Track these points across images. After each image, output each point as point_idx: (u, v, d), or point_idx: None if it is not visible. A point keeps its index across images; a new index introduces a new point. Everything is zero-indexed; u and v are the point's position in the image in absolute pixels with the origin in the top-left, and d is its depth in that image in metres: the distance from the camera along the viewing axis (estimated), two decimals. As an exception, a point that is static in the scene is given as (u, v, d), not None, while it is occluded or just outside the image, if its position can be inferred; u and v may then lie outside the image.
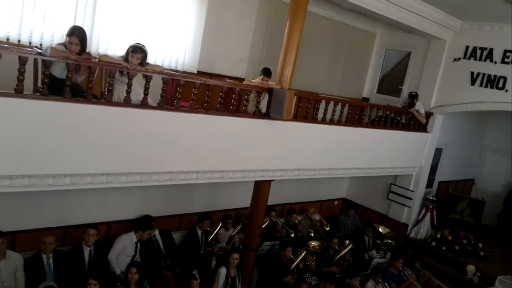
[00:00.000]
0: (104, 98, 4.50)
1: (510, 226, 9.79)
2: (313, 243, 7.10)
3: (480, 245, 8.65)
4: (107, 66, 4.52)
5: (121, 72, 4.65)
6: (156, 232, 6.43)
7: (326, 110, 6.74)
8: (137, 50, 4.64)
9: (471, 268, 8.05)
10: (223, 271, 6.04)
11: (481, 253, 8.57)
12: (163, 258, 6.41)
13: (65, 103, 4.12)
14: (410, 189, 8.99)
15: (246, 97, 5.72)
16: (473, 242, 8.62)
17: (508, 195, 10.09)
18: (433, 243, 8.75)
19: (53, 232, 5.44)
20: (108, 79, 4.47)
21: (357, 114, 7.31)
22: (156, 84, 4.82)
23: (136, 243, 6.01)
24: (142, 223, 6.16)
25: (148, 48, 4.82)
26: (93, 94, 4.46)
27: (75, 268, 5.45)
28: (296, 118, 6.29)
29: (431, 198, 9.14)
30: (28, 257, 5.21)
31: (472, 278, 7.97)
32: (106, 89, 4.52)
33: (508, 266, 8.28)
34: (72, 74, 4.23)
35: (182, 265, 6.46)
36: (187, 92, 5.16)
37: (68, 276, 5.37)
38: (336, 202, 9.95)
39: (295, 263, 6.84)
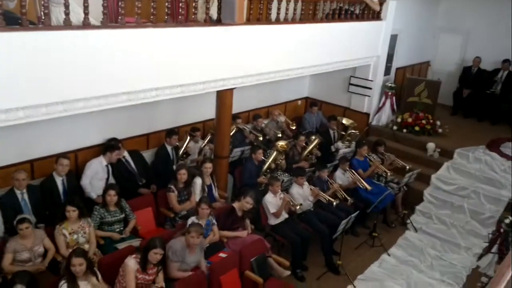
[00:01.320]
0: (42, 23, 4.21)
1: (465, 102, 10.29)
2: (281, 143, 7.34)
3: (438, 123, 9.14)
4: (38, -13, 4.19)
5: (55, -8, 4.32)
6: (126, 153, 6.46)
7: (279, 9, 6.56)
8: (68, -35, 4.27)
9: (431, 145, 8.57)
10: (198, 181, 6.25)
11: (440, 130, 9.08)
12: (137, 177, 6.53)
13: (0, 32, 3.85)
14: (369, 79, 9.18)
15: (194, 4, 5.47)
16: (431, 121, 9.08)
17: (462, 72, 10.44)
18: (395, 127, 9.18)
19: (19, 168, 5.40)
20: (43, 2, 4.16)
21: (310, 9, 7.17)
22: (95, 1, 4.52)
23: (106, 165, 6.07)
24: (108, 145, 6.17)
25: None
26: (29, 20, 4.16)
27: (51, 198, 5.53)
28: (249, 21, 6.13)
29: (389, 85, 9.39)
30: (2, 195, 5.23)
31: (432, 154, 8.53)
32: (42, 13, 4.22)
33: (465, 139, 8.86)
34: (2, 1, 3.91)
35: (157, 181, 6.63)
36: (130, 6, 4.88)
37: (45, 207, 5.46)
38: (299, 102, 10.10)
39: (267, 164, 7.12)
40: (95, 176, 5.97)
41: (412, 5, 9.63)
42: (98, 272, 4.33)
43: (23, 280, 3.92)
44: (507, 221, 6.40)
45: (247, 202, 5.66)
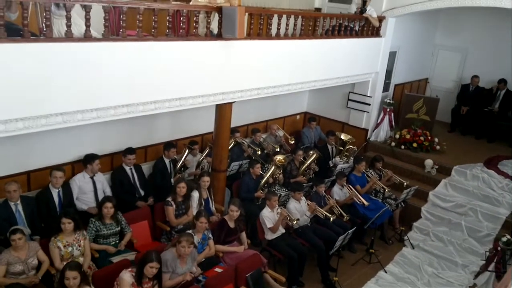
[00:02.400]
0: (44, 34, 4.24)
1: (463, 119, 10.34)
2: (278, 157, 7.34)
3: (436, 140, 9.16)
4: (40, -1, 4.21)
5: (57, 5, 4.35)
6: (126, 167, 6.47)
7: (279, 24, 6.62)
8: (70, -22, 4.31)
9: (429, 162, 8.58)
10: (195, 194, 6.23)
11: (438, 147, 9.09)
12: (137, 190, 6.50)
13: (1, 44, 3.86)
14: (368, 95, 9.22)
15: (195, 18, 5.52)
16: (429, 138, 9.10)
17: (461, 90, 10.49)
18: (393, 144, 9.19)
19: (15, 179, 5.37)
20: (44, 14, 4.18)
21: (310, 25, 7.23)
22: (98, 14, 4.56)
23: (91, 178, 6.03)
24: (86, 158, 6.08)
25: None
26: (31, 31, 4.18)
27: (46, 210, 5.49)
28: (249, 36, 6.17)
29: (388, 101, 9.44)
30: (-4, 206, 5.19)
31: (430, 171, 8.53)
32: (44, 24, 4.24)
33: (463, 156, 8.88)
34: (4, 12, 3.93)
35: (155, 194, 6.60)
36: (132, 20, 4.93)
37: (41, 219, 5.42)
38: (298, 117, 10.13)
39: (264, 178, 7.10)
40: (80, 192, 5.95)
41: (411, 22, 9.72)
42: (92, 286, 4.28)
43: (16, 292, 3.88)
44: (504, 239, 6.39)
45: (232, 210, 5.66)
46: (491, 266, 6.42)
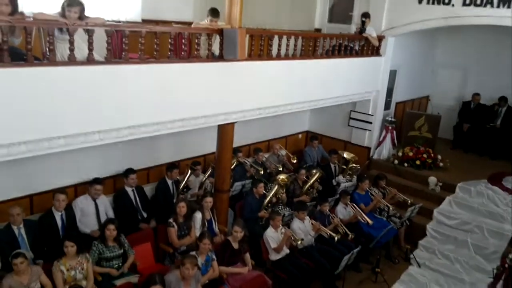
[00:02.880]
0: (47, 58, 4.29)
1: (465, 136, 10.33)
2: (281, 177, 7.31)
3: (439, 157, 9.13)
4: (44, 24, 4.28)
5: (61, 29, 4.41)
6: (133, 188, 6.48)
7: (280, 45, 6.69)
8: (73, 3, 4.37)
9: (432, 179, 8.54)
10: (198, 215, 6.19)
11: (441, 164, 9.06)
12: (140, 212, 6.48)
13: (5, 68, 3.91)
14: (369, 113, 9.25)
15: (196, 41, 5.58)
16: (432, 155, 9.08)
17: (462, 107, 10.52)
18: (396, 161, 9.17)
19: (19, 202, 5.37)
20: (48, 38, 4.25)
21: (311, 46, 7.31)
22: (100, 38, 4.62)
23: (93, 200, 6.03)
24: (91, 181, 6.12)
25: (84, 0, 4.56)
26: (34, 56, 4.24)
27: (49, 234, 5.46)
28: (250, 57, 6.22)
29: (390, 119, 9.46)
30: (-1, 230, 5.17)
31: (434, 188, 8.48)
32: (47, 49, 4.31)
33: (466, 173, 8.84)
34: (8, 37, 3.99)
35: (158, 215, 6.58)
36: (134, 43, 4.99)
37: (43, 243, 5.38)
38: (300, 136, 10.15)
39: (268, 198, 7.07)
40: (82, 214, 5.93)
41: (410, 41, 9.81)
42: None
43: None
44: (511, 256, 6.30)
45: (235, 231, 5.61)
46: (499, 284, 6.31)
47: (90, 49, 4.51)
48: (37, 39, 4.55)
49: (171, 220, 5.92)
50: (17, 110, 4.04)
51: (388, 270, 7.15)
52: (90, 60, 4.52)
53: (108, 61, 4.68)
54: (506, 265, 6.24)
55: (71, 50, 4.36)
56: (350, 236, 6.54)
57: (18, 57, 4.12)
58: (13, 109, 4.01)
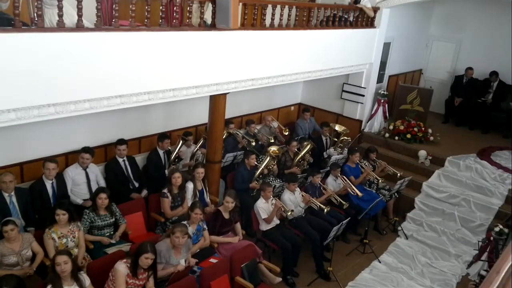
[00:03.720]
0: (35, 24, 4.19)
1: (456, 111, 10.38)
2: (272, 148, 7.34)
3: (430, 131, 9.18)
4: (32, -12, 4.16)
5: (49, -6, 4.30)
6: (125, 158, 6.45)
7: (273, 15, 6.59)
8: (62, -33, 4.25)
9: (422, 153, 8.61)
10: (190, 185, 6.22)
11: (431, 138, 9.13)
12: (131, 182, 6.48)
13: (-8, 34, 3.82)
14: (362, 86, 9.22)
15: (188, 8, 5.47)
16: (423, 129, 9.13)
17: (454, 81, 10.51)
18: (387, 135, 9.22)
19: (9, 170, 5.34)
20: (36, 3, 4.13)
21: (304, 16, 7.20)
22: (89, 4, 4.51)
23: (84, 169, 6.00)
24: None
25: (74, -36, 4.43)
26: (22, 21, 4.13)
27: (40, 202, 5.47)
28: (243, 26, 6.13)
29: (382, 92, 9.45)
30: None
31: (424, 162, 8.56)
32: (35, 14, 4.19)
33: (456, 147, 8.92)
34: (-5, 2, 3.89)
35: (149, 185, 6.59)
36: (124, 10, 4.88)
37: (34, 211, 5.40)
38: (292, 108, 10.12)
39: (259, 169, 7.10)
40: (73, 184, 5.92)
41: (405, 13, 9.71)
42: (87, 277, 4.28)
43: (9, 283, 3.86)
44: (497, 229, 6.45)
45: (227, 202, 5.65)
46: (484, 256, 6.48)
47: (80, 15, 4.39)
48: (24, 4, 4.44)
49: (165, 191, 5.93)
50: (6, 77, 3.96)
51: (376, 241, 7.30)
52: (79, 27, 4.41)
53: (98, 28, 4.58)
54: (492, 238, 6.40)
55: (60, 15, 4.24)
56: (345, 205, 6.63)
57: (6, 22, 4.02)
58: (1, 76, 3.93)
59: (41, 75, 4.19)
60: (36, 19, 4.19)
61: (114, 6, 4.69)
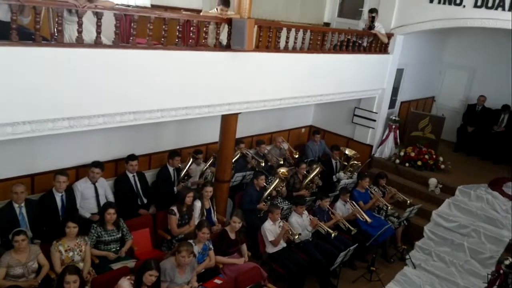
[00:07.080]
0: (55, 39, 4.28)
1: (469, 139, 10.29)
2: (282, 170, 7.31)
3: (441, 159, 9.11)
4: (53, 4, 4.25)
5: (69, 11, 4.40)
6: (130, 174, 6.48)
7: (288, 38, 6.65)
8: (84, -14, 4.36)
9: (433, 181, 8.53)
10: (197, 204, 6.22)
11: (442, 166, 9.04)
12: (140, 197, 6.50)
13: (13, 47, 3.89)
14: (374, 111, 9.22)
15: (205, 29, 5.56)
16: (434, 156, 9.06)
17: (467, 110, 10.47)
18: (397, 161, 9.16)
19: (20, 182, 5.38)
20: (56, 19, 4.23)
21: (319, 40, 7.25)
22: (109, 22, 4.60)
23: (93, 184, 6.03)
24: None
25: (94, -17, 4.54)
26: (42, 36, 4.23)
27: (49, 214, 5.48)
28: (258, 48, 6.19)
29: (394, 118, 9.43)
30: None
31: (434, 190, 8.46)
32: (55, 29, 4.29)
33: (467, 176, 8.83)
34: (17, 16, 3.98)
35: (157, 202, 6.59)
36: (142, 28, 4.97)
37: (43, 223, 5.41)
38: (303, 130, 10.13)
39: (268, 191, 7.08)
40: (82, 198, 5.95)
41: (419, 40, 9.75)
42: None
43: (14, 295, 3.86)
44: (507, 262, 6.29)
45: (234, 222, 5.62)
46: (493, 289, 6.33)
47: (98, 32, 4.49)
48: (45, 20, 4.54)
49: (173, 208, 5.93)
50: (24, 90, 4.04)
51: (383, 269, 7.18)
52: (97, 43, 4.50)
53: (115, 45, 4.67)
54: (501, 271, 6.25)
55: (79, 32, 4.34)
56: (353, 231, 6.56)
57: (26, 36, 4.10)
58: (19, 89, 4.01)
59: (58, 89, 4.26)
60: (56, 34, 4.29)
61: (132, 24, 4.78)
